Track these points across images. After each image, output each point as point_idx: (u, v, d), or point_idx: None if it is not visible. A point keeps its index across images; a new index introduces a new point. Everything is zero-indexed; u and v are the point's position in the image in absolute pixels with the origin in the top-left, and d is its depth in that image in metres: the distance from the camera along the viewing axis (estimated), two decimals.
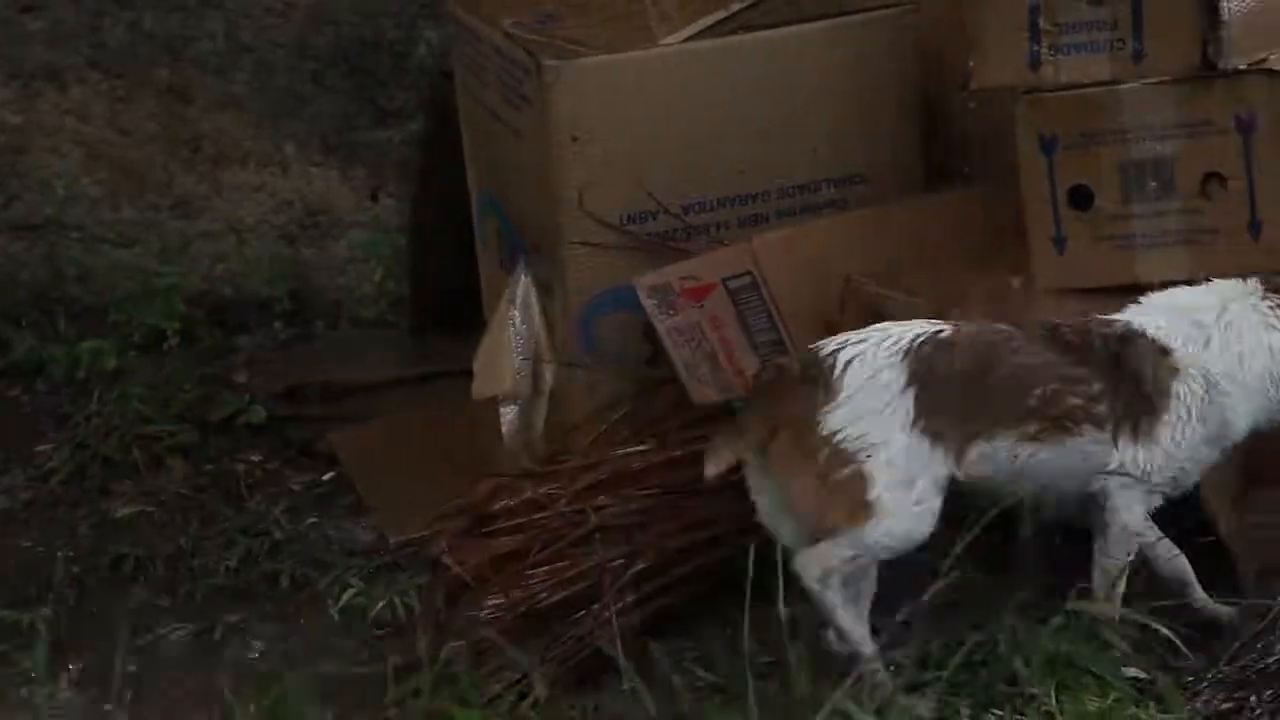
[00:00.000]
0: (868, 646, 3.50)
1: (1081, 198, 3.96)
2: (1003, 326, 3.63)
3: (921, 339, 3.56)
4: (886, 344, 3.55)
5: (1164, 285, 3.92)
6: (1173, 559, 3.68)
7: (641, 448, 3.98)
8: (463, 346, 4.56)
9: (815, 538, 3.51)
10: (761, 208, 4.32)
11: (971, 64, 3.99)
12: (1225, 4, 3.78)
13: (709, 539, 3.93)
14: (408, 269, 5.20)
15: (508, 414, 4.45)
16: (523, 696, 3.58)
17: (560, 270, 4.30)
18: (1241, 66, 3.82)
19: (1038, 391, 3.55)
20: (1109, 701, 3.25)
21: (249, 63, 5.53)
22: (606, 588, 3.70)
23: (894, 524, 3.49)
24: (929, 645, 3.50)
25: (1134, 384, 3.58)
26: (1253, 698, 3.40)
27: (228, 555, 4.34)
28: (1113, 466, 3.57)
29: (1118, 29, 3.86)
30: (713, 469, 3.58)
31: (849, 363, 3.52)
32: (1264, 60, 3.84)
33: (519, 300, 4.48)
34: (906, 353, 3.53)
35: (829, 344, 3.59)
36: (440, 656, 3.44)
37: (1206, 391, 3.61)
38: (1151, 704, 3.30)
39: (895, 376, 3.51)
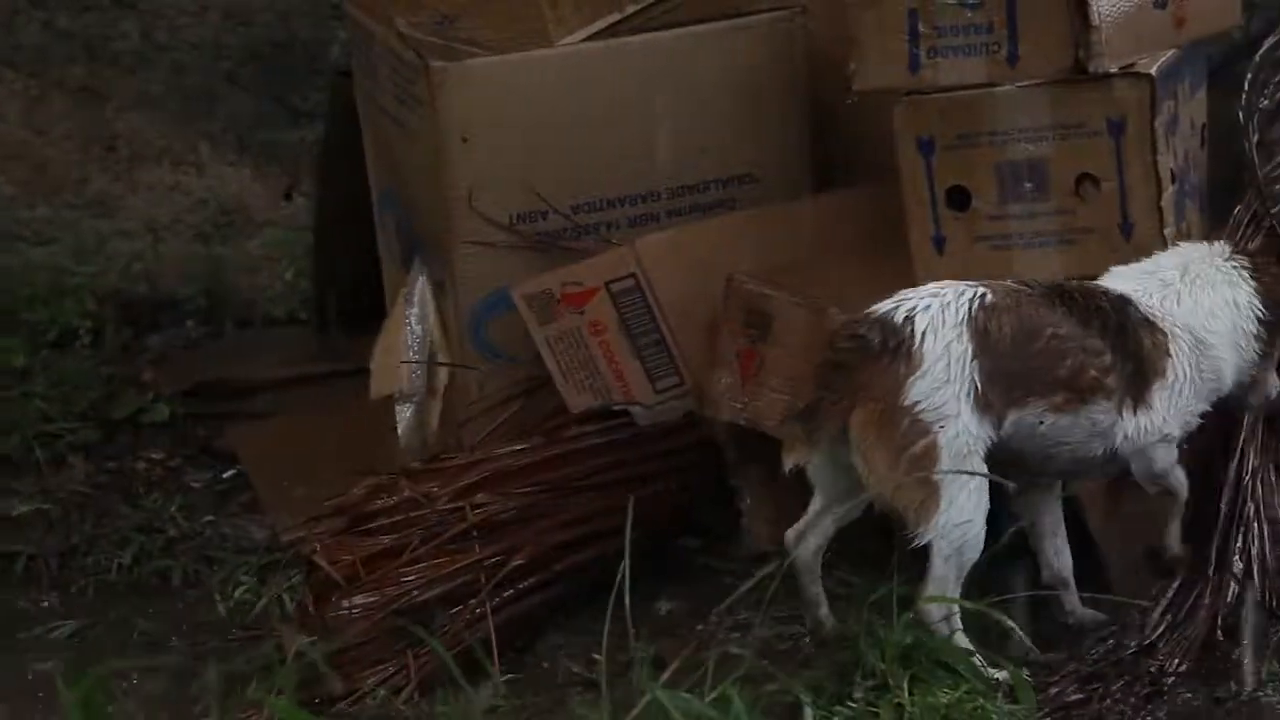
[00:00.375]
0: (987, 675, 3.47)
1: (959, 198, 4.01)
2: (1030, 290, 3.67)
3: (975, 303, 3.58)
4: (949, 311, 3.55)
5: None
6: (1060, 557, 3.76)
7: (520, 446, 4.01)
8: (368, 344, 4.59)
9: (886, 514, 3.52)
10: (651, 207, 4.36)
11: (852, 66, 4.03)
12: (1096, 9, 3.83)
13: (590, 535, 3.97)
14: (312, 267, 5.22)
15: (403, 412, 4.49)
16: (397, 691, 3.61)
17: (452, 270, 4.34)
18: (1112, 70, 3.88)
19: (1068, 362, 3.61)
20: (959, 694, 3.29)
21: (164, 62, 5.56)
22: (481, 584, 3.73)
23: (956, 508, 3.49)
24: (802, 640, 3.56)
25: (1135, 351, 3.65)
26: (1102, 689, 3.45)
27: (121, 553, 4.36)
28: (1120, 438, 3.64)
29: (993, 33, 3.91)
30: (790, 461, 3.55)
31: (924, 332, 3.52)
32: (1134, 64, 3.90)
33: (415, 299, 4.51)
34: (967, 320, 3.55)
35: (895, 309, 3.58)
36: (305, 654, 3.46)
37: (1195, 348, 3.69)
38: (1000, 696, 3.34)
39: (963, 347, 3.53)
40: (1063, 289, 3.69)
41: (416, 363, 4.38)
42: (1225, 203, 4.19)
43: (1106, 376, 3.63)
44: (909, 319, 3.56)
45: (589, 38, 4.40)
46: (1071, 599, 3.73)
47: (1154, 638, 3.60)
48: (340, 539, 3.75)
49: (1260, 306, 3.72)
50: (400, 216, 4.65)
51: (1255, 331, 3.71)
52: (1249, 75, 4.23)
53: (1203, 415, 3.70)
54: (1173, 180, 3.96)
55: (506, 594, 3.81)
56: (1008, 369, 3.56)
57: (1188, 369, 3.66)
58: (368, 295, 4.93)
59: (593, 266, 4.18)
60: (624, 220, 4.36)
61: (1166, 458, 3.67)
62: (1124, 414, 3.63)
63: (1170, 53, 4.00)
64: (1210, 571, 3.72)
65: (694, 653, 3.26)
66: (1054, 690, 3.45)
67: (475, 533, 3.81)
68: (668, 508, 4.15)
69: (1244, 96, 4.19)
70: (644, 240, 4.20)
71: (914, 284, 4.07)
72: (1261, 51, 4.27)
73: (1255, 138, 4.14)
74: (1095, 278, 3.86)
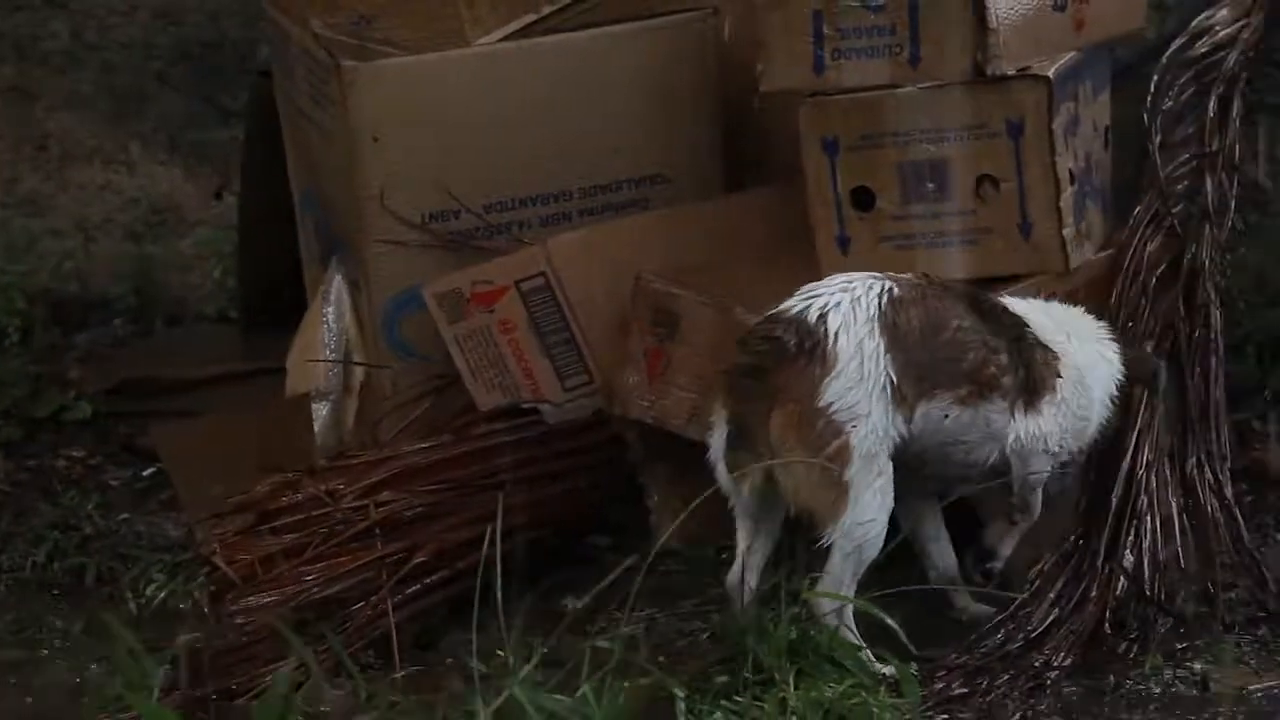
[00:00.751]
0: (874, 669, 3.52)
1: (863, 199, 4.05)
2: (936, 286, 3.72)
3: (884, 297, 3.62)
4: (860, 307, 3.58)
5: None
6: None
7: (426, 444, 4.04)
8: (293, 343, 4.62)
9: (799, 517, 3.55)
10: (564, 207, 4.39)
11: (760, 68, 4.07)
12: (993, 12, 3.87)
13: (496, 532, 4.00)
14: (236, 266, 5.25)
15: (320, 410, 4.52)
16: (299, 686, 3.63)
17: (365, 268, 4.37)
18: (1011, 72, 3.92)
19: (971, 355, 3.65)
20: (844, 688, 3.33)
21: (94, 62, 5.58)
22: (383, 581, 3.75)
23: (862, 507, 3.52)
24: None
25: (1028, 363, 3.70)
26: (986, 683, 3.49)
27: (35, 550, 4.38)
28: (1011, 438, 3.68)
29: (896, 35, 3.95)
30: (746, 489, 3.57)
31: (837, 331, 3.55)
32: (1033, 66, 3.93)
33: (331, 298, 4.54)
34: (878, 315, 3.58)
35: (807, 308, 3.60)
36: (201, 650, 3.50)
37: (1078, 385, 3.74)
38: (884, 690, 3.37)
39: (875, 343, 3.56)
40: (966, 290, 3.73)
41: (329, 362, 4.40)
42: (1133, 203, 4.25)
43: (1004, 375, 3.67)
44: (822, 317, 3.58)
45: (505, 38, 4.44)
46: (962, 596, 3.77)
47: (1041, 631, 3.64)
48: (241, 537, 3.78)
49: (1121, 379, 3.78)
50: (319, 216, 4.67)
51: (1114, 400, 3.76)
52: (1155, 77, 4.28)
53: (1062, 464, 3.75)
54: (1072, 181, 4.00)
55: (409, 591, 3.84)
56: (918, 360, 3.60)
57: (1071, 398, 3.71)
58: (293, 294, 4.97)
59: (503, 265, 4.21)
60: (536, 220, 4.39)
61: (1041, 469, 3.71)
62: (1016, 416, 3.67)
63: (1070, 55, 4.04)
64: (1100, 565, 3.76)
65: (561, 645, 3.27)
66: (939, 685, 3.49)
67: (378, 530, 3.83)
68: (576, 505, 4.19)
69: (1149, 98, 4.25)
70: (554, 239, 4.23)
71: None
72: (1168, 53, 4.32)
73: (1158, 139, 4.19)
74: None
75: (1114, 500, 3.85)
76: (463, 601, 3.96)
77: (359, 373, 4.44)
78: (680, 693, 3.19)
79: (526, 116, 4.33)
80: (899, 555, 3.68)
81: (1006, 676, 3.51)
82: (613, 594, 4.00)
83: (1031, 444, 3.69)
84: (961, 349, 3.64)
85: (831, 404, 3.52)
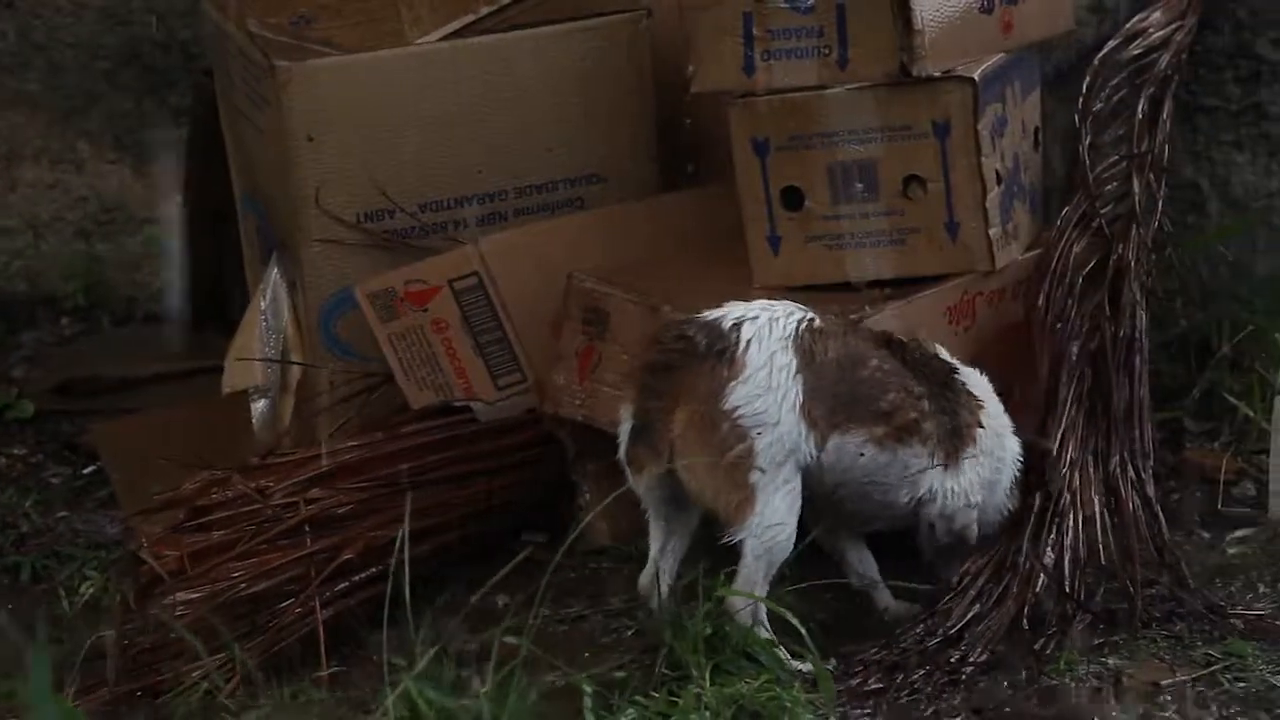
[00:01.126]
0: (790, 667, 3.55)
1: (793, 199, 4.08)
2: (862, 328, 3.77)
3: (803, 324, 3.65)
4: (777, 325, 3.61)
5: (873, 284, 4.08)
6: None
7: (357, 442, 4.06)
8: None
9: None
10: (499, 206, 4.41)
11: (691, 69, 4.11)
12: (919, 14, 3.90)
13: (427, 530, 4.02)
14: (180, 265, 5.27)
15: (258, 408, 4.54)
16: (224, 683, 3.66)
17: (301, 267, 4.39)
18: (936, 74, 3.95)
19: (890, 397, 3.67)
20: (758, 683, 3.36)
21: (41, 61, 5.59)
22: (310, 578, 3.78)
23: (770, 509, 3.55)
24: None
25: (953, 411, 3.73)
26: (902, 678, 3.53)
27: None
28: (924, 490, 3.70)
29: (824, 36, 3.98)
30: (642, 483, 3.60)
31: (749, 340, 3.57)
32: (958, 68, 3.96)
33: (269, 296, 4.56)
34: (794, 337, 3.60)
35: (722, 317, 3.64)
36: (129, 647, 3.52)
37: (995, 438, 3.78)
38: (799, 686, 3.40)
39: (787, 360, 3.58)
40: (893, 338, 3.76)
41: (263, 360, 4.42)
42: (1065, 203, 4.28)
43: (924, 421, 3.69)
44: (736, 326, 3.61)
45: (444, 38, 4.46)
46: (883, 596, 3.80)
47: (960, 627, 3.67)
48: (169, 534, 3.80)
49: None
50: (259, 215, 4.69)
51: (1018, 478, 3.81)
52: (1087, 79, 4.32)
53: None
54: (998, 181, 4.03)
55: (338, 588, 3.86)
56: (832, 390, 3.62)
57: (989, 451, 3.75)
58: (239, 293, 4.99)
59: (436, 265, 4.24)
60: (473, 219, 4.41)
61: (966, 520, 3.75)
62: (933, 463, 3.69)
63: (998, 57, 4.07)
64: (1022, 562, 3.79)
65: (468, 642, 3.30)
66: (855, 680, 3.52)
67: (307, 527, 3.85)
68: (510, 503, 4.21)
69: (1080, 100, 4.28)
70: (488, 239, 4.26)
71: (751, 283, 4.16)
72: (1100, 55, 4.36)
73: (1088, 140, 4.23)
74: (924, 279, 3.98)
75: (1037, 498, 3.88)
76: (394, 599, 4.00)
77: (296, 371, 4.46)
78: (588, 688, 3.20)
79: (460, 116, 4.36)
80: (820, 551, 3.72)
81: (922, 672, 3.54)
82: (545, 590, 4.05)
83: (954, 500, 3.72)
84: (880, 388, 3.66)
85: (737, 408, 3.55)
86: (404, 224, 4.36)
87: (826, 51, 3.99)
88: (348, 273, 4.35)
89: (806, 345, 3.61)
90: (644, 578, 3.65)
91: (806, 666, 3.48)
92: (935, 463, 3.68)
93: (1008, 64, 4.11)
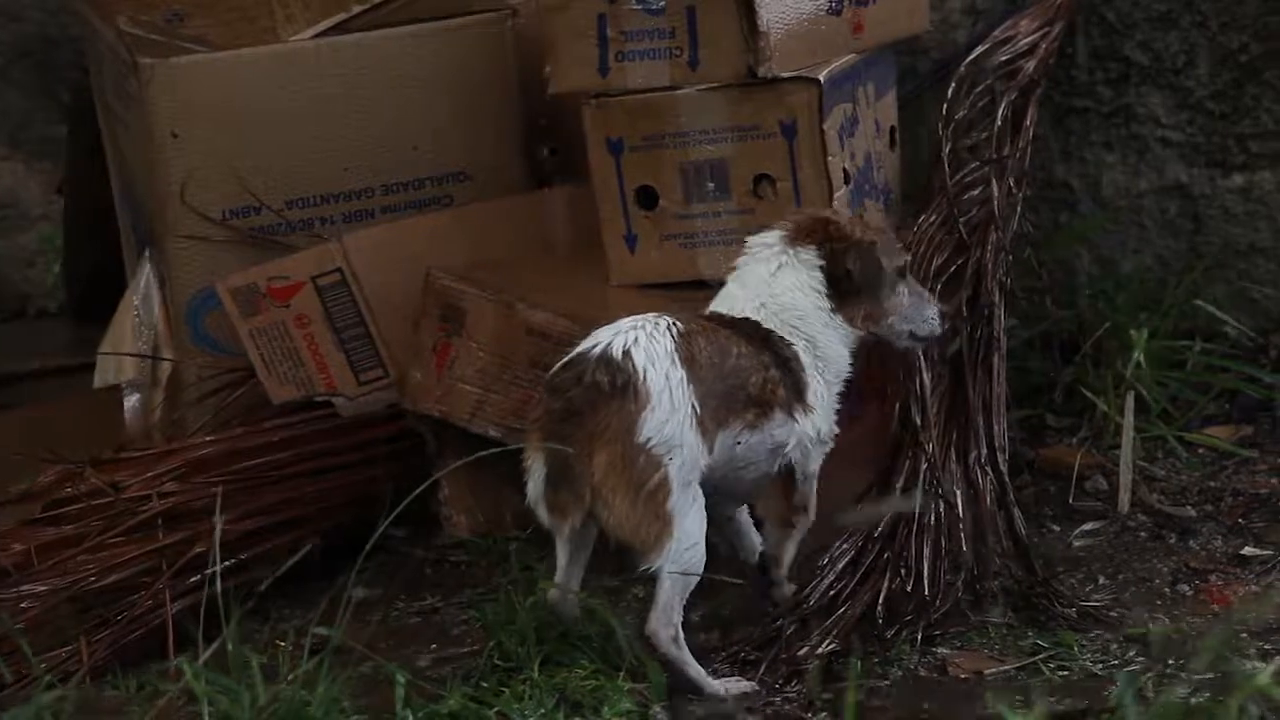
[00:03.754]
0: (714, 687, 3.56)
1: (648, 198, 4.13)
2: (709, 320, 3.75)
3: (672, 330, 3.61)
4: (657, 341, 3.58)
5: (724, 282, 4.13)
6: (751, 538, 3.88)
7: (215, 436, 4.10)
8: None
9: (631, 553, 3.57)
10: (366, 204, 4.46)
11: (548, 69, 4.16)
12: (764, 16, 3.95)
13: (284, 523, 4.07)
14: (63, 261, 5.31)
15: (129, 402, 4.58)
16: (67, 676, 3.69)
17: (168, 263, 4.43)
18: (783, 75, 4.00)
19: (754, 379, 3.69)
20: (587, 673, 3.41)
21: None
22: (163, 571, 3.82)
23: (685, 533, 3.56)
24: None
25: (785, 362, 3.74)
26: (752, 670, 3.58)
27: None
28: (793, 442, 3.72)
29: (675, 38, 4.03)
30: (567, 528, 3.55)
31: (645, 366, 3.55)
32: (806, 69, 4.02)
33: (140, 291, 4.60)
34: (676, 348, 3.59)
35: (607, 344, 3.58)
36: None
37: (808, 344, 3.76)
38: (623, 675, 3.45)
39: (679, 374, 3.57)
40: (717, 316, 3.76)
41: (132, 355, 4.46)
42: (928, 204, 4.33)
43: (778, 388, 3.72)
44: (627, 354, 3.56)
45: (317, 36, 4.50)
46: (775, 574, 3.83)
47: (814, 616, 3.72)
48: (17, 527, 3.84)
49: (824, 283, 3.76)
50: (133, 211, 4.73)
51: (832, 307, 3.76)
52: (952, 84, 4.38)
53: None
54: (847, 180, 4.09)
55: (191, 581, 3.90)
56: (714, 390, 3.63)
57: (814, 366, 3.76)
58: (120, 288, 5.03)
59: (299, 261, 4.28)
60: (339, 216, 4.45)
61: (819, 461, 3.78)
62: (796, 420, 3.73)
63: (848, 58, 4.13)
64: (878, 553, 3.85)
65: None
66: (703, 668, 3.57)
67: (160, 521, 3.89)
68: (371, 497, 4.25)
69: (944, 105, 4.33)
70: (351, 236, 4.30)
71: (607, 280, 4.21)
72: (966, 61, 4.42)
73: (949, 145, 4.28)
74: None
75: (897, 491, 3.94)
76: (252, 592, 4.05)
77: (166, 365, 4.50)
78: (401, 678, 3.25)
79: (326, 114, 4.40)
80: None
81: (769, 663, 3.59)
82: (400, 584, 4.11)
83: (808, 440, 3.76)
84: (745, 374, 3.68)
85: (650, 439, 3.54)
86: (270, 221, 4.40)
87: (678, 53, 4.04)
88: (214, 269, 4.38)
89: (685, 353, 3.61)
90: (554, 594, 3.63)
91: (741, 686, 3.54)
92: (792, 420, 3.71)
93: (859, 65, 4.17)
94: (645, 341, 3.58)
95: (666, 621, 3.54)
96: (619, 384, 3.54)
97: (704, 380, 3.60)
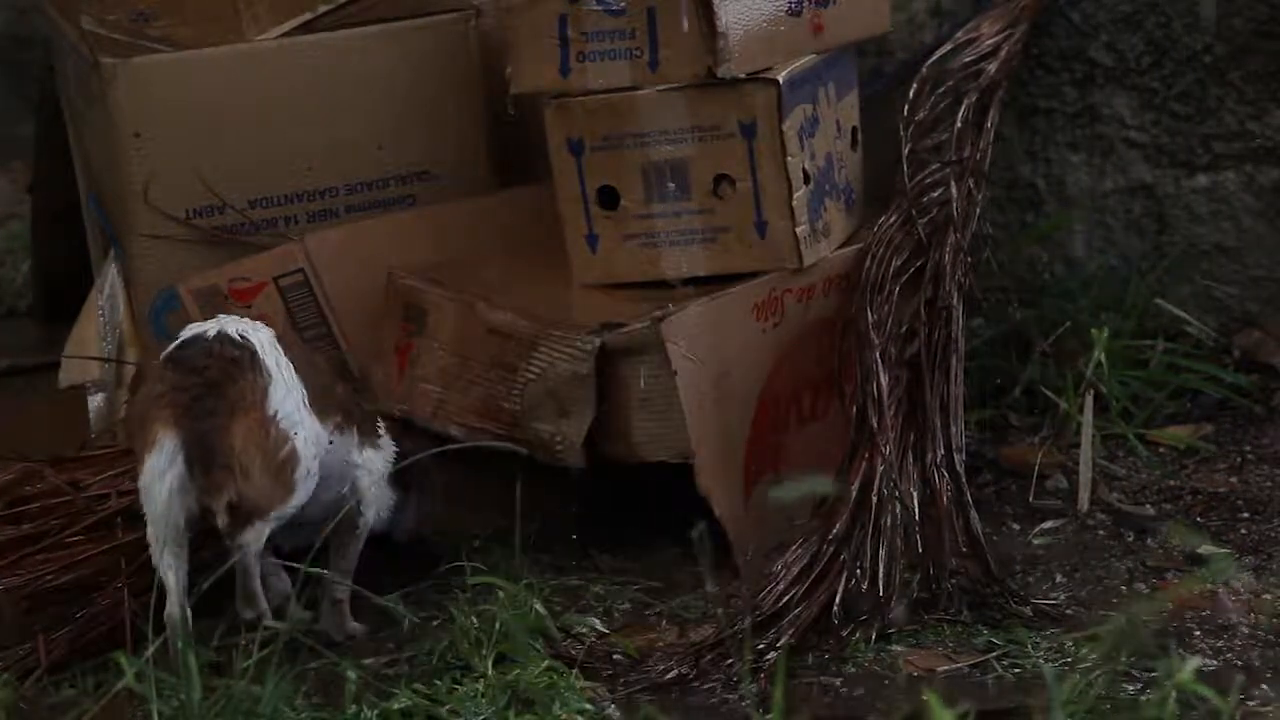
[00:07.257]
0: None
1: (609, 198, 4.15)
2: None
3: (264, 328, 3.73)
4: (258, 329, 3.70)
5: (688, 282, 4.15)
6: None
7: None
8: None
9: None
10: (330, 203, 4.47)
11: (509, 69, 4.17)
12: (722, 17, 3.97)
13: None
14: (31, 260, 5.31)
15: (94, 402, 4.59)
16: (27, 674, 3.71)
17: (131, 263, 4.44)
18: (742, 75, 4.02)
19: (339, 387, 3.81)
20: (539, 669, 3.43)
21: None
22: (121, 570, 3.83)
23: (295, 500, 3.64)
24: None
25: (363, 399, 3.89)
26: (707, 666, 3.60)
27: None
28: (359, 462, 3.83)
29: (635, 38, 4.05)
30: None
31: (260, 345, 3.65)
32: (765, 70, 4.04)
33: (106, 290, 4.61)
34: (275, 339, 3.70)
35: (219, 328, 3.67)
36: None
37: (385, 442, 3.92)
38: (576, 673, 3.47)
39: (286, 360, 3.67)
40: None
41: (96, 359, 4.47)
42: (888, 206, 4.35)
43: (353, 406, 3.84)
44: (242, 335, 3.67)
45: (282, 36, 4.51)
46: (328, 619, 3.86)
47: (770, 616, 3.73)
48: None
49: None
50: (98, 211, 4.74)
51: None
52: (914, 85, 4.40)
53: None
54: (807, 180, 4.11)
55: (151, 579, 3.90)
56: (311, 383, 3.72)
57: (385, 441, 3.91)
58: (89, 287, 5.03)
59: (261, 261, 4.29)
60: (303, 215, 4.46)
61: (383, 499, 3.89)
62: (364, 450, 3.84)
63: (809, 58, 4.15)
64: (835, 553, 3.86)
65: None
66: (660, 666, 3.58)
67: (119, 519, 3.90)
68: None
69: (906, 107, 4.35)
70: (313, 236, 4.32)
71: (571, 281, 4.23)
72: (929, 63, 4.44)
73: (908, 146, 4.30)
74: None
75: (854, 491, 3.95)
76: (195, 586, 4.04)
77: (131, 366, 4.51)
78: (352, 675, 3.26)
79: (289, 114, 4.41)
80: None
81: (727, 661, 3.61)
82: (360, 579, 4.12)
83: (376, 472, 3.86)
84: (330, 376, 3.81)
85: (277, 411, 3.62)
86: (234, 220, 4.41)
87: (638, 53, 4.06)
88: (178, 268, 4.39)
89: (284, 345, 3.72)
90: (173, 610, 3.62)
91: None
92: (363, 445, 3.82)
93: (820, 65, 4.18)
94: (250, 329, 3.69)
95: (258, 539, 3.56)
96: (247, 358, 3.63)
97: (303, 372, 3.70)
